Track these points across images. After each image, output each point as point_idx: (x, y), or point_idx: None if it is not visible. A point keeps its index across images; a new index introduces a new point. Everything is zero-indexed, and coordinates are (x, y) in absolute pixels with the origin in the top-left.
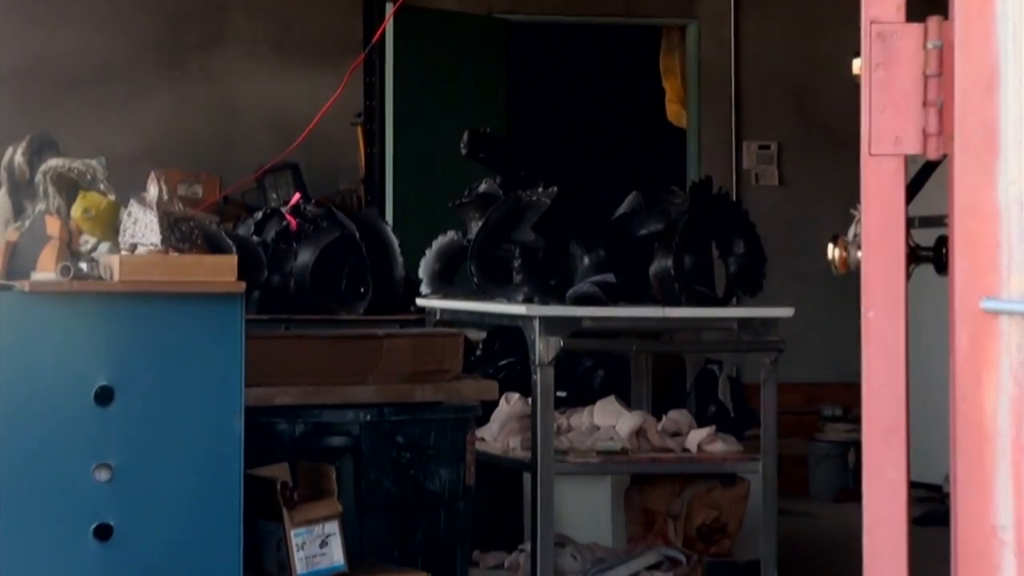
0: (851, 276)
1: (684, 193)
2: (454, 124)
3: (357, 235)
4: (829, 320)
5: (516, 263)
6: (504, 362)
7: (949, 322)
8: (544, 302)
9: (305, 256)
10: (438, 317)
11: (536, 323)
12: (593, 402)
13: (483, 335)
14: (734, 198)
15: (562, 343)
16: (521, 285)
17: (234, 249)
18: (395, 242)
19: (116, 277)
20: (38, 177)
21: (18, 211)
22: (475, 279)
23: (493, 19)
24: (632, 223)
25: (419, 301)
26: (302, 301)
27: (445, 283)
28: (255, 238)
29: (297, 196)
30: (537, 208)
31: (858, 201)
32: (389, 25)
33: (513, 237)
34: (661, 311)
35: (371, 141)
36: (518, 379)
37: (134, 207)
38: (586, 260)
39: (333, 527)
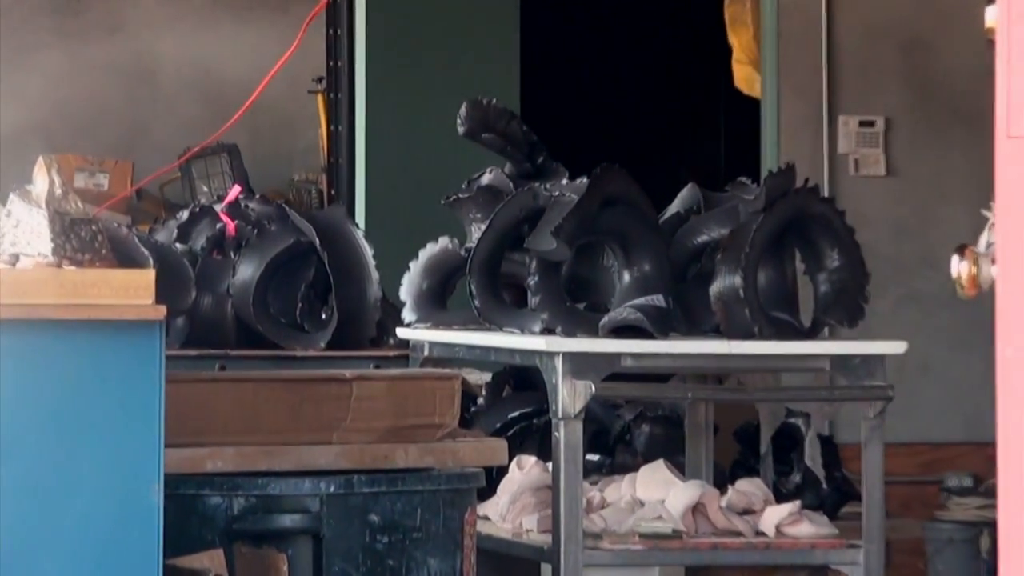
0: (983, 299)
1: (757, 186)
2: (448, 93)
3: (317, 242)
4: (954, 358)
5: (532, 280)
6: (516, 414)
7: None
8: (570, 333)
9: (247, 270)
10: (427, 353)
11: (559, 361)
12: (635, 468)
13: (487, 378)
14: (825, 193)
15: (594, 388)
16: (539, 310)
17: (151, 261)
18: (368, 252)
19: None
20: None
21: None
22: (476, 302)
23: None
24: (688, 227)
25: (400, 332)
26: (243, 331)
27: (436, 307)
28: (179, 246)
29: (236, 189)
30: (560, 206)
31: (992, 199)
32: None
33: (528, 245)
34: (727, 346)
35: (335, 115)
36: (534, 437)
37: (16, 205)
38: (626, 277)
39: None
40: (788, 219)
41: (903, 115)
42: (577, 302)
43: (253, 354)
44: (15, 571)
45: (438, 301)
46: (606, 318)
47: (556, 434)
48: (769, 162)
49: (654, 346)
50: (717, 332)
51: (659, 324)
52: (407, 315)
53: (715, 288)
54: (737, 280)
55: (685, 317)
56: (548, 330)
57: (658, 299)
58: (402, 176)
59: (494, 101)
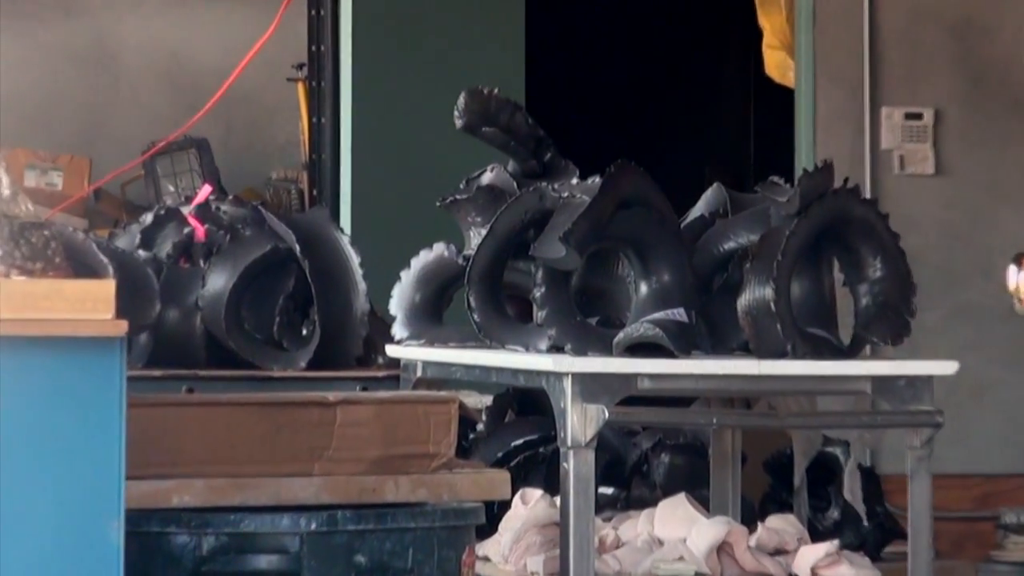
0: None
1: (791, 187)
2: (445, 82)
3: (297, 249)
4: (1011, 379)
5: (538, 292)
6: (519, 442)
7: None
8: (580, 351)
9: (218, 281)
10: (420, 374)
11: (568, 383)
12: (654, 503)
13: (488, 401)
14: (867, 194)
15: (607, 413)
16: (545, 325)
17: (111, 270)
18: (355, 259)
19: None
20: None
21: None
22: (475, 316)
23: None
24: (713, 232)
25: (390, 350)
26: (213, 349)
27: (430, 322)
28: (142, 253)
29: (206, 189)
30: (569, 209)
31: None
32: None
33: (533, 253)
34: (756, 365)
35: (318, 106)
36: (540, 468)
37: None
38: (643, 288)
39: None
40: (825, 223)
41: (954, 106)
42: (588, 316)
43: (225, 375)
44: None
45: (433, 315)
46: (621, 334)
47: (565, 464)
48: (804, 160)
49: (675, 366)
50: (746, 350)
51: (680, 341)
52: (398, 331)
53: (743, 301)
54: (768, 292)
55: (709, 333)
56: (556, 348)
57: (679, 313)
58: (393, 174)
59: (496, 91)
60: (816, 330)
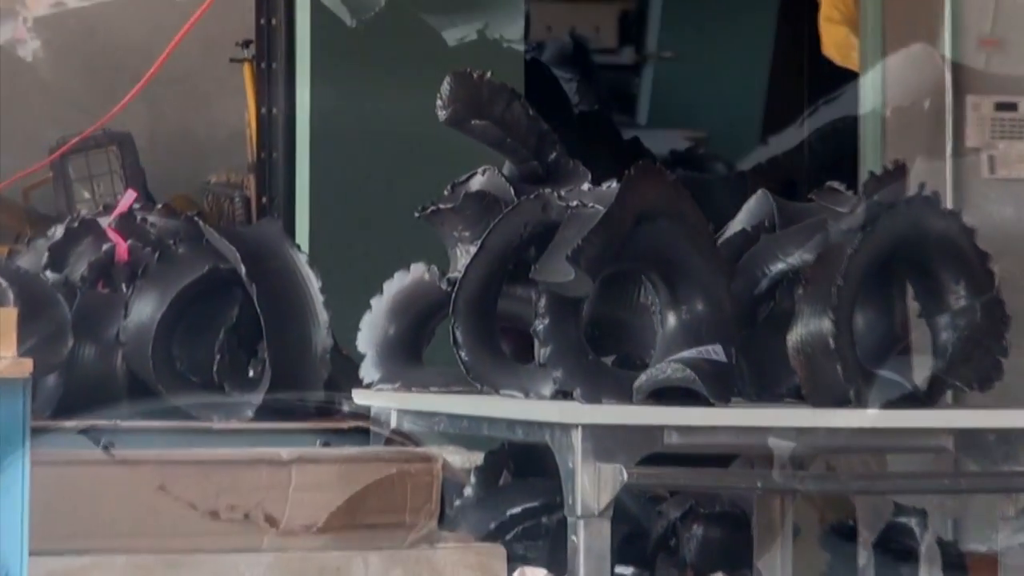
0: None
1: (854, 194)
2: (427, 66)
3: (243, 270)
4: None
5: (540, 325)
6: (517, 510)
7: None
8: (592, 398)
9: (144, 309)
10: (394, 425)
11: (577, 437)
12: None
13: (478, 460)
14: (948, 203)
15: (625, 475)
16: (550, 365)
17: (12, 296)
18: (314, 283)
19: None
20: None
21: None
22: (463, 354)
23: None
24: (757, 250)
25: (358, 396)
26: (138, 394)
27: (407, 362)
28: (50, 275)
29: (130, 196)
30: (579, 221)
31: None
32: None
33: (535, 276)
34: (811, 416)
35: (268, 93)
36: (543, 542)
37: None
38: (670, 320)
39: None
40: (896, 240)
41: None
42: (602, 355)
43: (152, 426)
44: None
45: (410, 353)
46: (643, 377)
47: (573, 538)
48: (870, 161)
49: (710, 416)
50: (798, 396)
51: (717, 385)
52: (368, 372)
53: (795, 336)
54: (825, 324)
55: (753, 376)
56: (562, 393)
57: (715, 351)
58: (360, 178)
59: (489, 75)
60: (885, 372)
